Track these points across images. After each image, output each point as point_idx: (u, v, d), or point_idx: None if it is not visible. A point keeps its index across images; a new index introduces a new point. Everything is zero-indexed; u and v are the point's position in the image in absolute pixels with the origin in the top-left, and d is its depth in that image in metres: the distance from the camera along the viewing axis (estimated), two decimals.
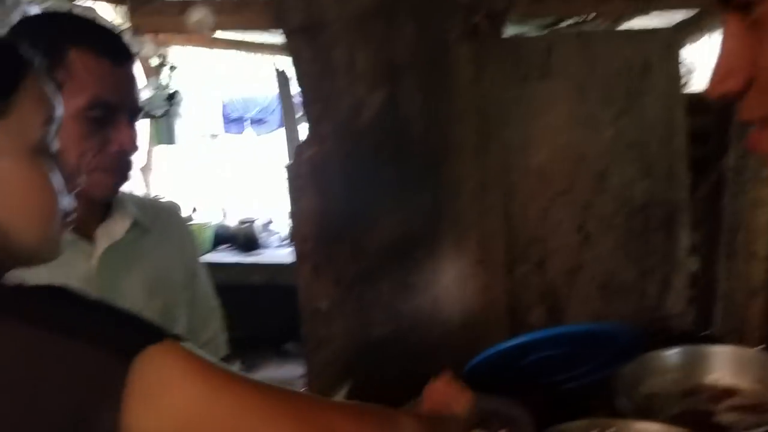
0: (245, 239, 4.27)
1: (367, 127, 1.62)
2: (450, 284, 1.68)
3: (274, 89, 4.22)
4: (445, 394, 0.95)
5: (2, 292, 0.66)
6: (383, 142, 1.63)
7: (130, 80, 1.12)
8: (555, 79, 1.64)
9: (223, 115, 5.79)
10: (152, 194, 4.06)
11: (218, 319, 1.37)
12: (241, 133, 5.75)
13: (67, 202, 0.75)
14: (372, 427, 0.75)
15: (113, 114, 1.07)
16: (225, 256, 4.19)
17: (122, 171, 1.13)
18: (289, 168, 1.62)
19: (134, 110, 1.11)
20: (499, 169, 1.67)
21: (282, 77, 3.81)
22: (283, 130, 4.35)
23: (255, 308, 3.78)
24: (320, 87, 1.61)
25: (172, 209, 1.41)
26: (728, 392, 1.20)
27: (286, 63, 3.44)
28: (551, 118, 1.65)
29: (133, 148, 1.10)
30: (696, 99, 1.79)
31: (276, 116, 5.53)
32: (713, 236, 1.84)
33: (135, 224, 1.18)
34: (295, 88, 3.02)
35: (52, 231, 0.73)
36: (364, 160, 1.63)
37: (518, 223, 1.71)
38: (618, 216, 1.70)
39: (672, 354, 1.28)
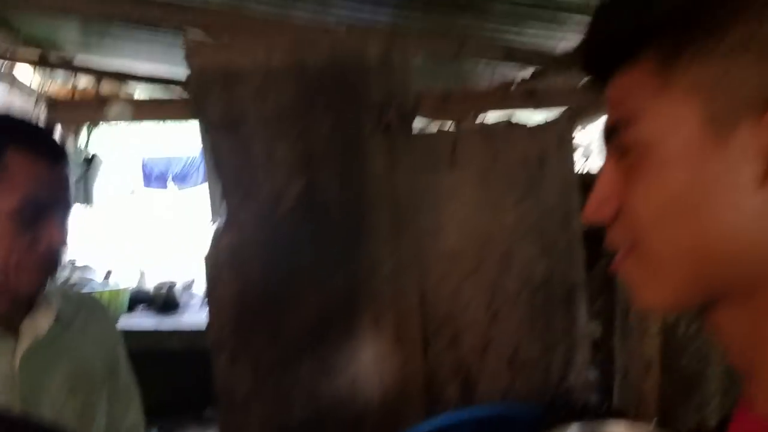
0: (164, 301, 4.21)
1: (286, 214, 1.68)
2: (368, 363, 1.74)
3: (198, 145, 4.23)
4: None
5: None
6: (301, 227, 1.69)
7: (64, 179, 1.13)
8: (462, 169, 1.75)
9: (146, 172, 5.73)
10: (69, 257, 3.95)
11: (138, 408, 1.38)
12: (164, 188, 5.69)
13: None
14: None
15: (45, 212, 1.08)
16: (143, 320, 4.10)
17: (49, 268, 1.13)
18: (207, 257, 1.65)
19: (66, 207, 1.13)
20: (413, 252, 1.76)
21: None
22: (206, 185, 4.37)
23: (174, 373, 3.71)
24: (239, 177, 1.66)
25: (94, 300, 1.41)
26: None
27: None
28: (459, 204, 1.76)
29: (62, 245, 1.12)
30: (592, 178, 1.93)
31: (199, 172, 5.52)
32: (610, 311, 1.96)
33: (57, 318, 1.19)
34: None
35: None
36: (282, 245, 1.68)
37: (432, 302, 1.79)
38: (522, 294, 1.81)
39: None
